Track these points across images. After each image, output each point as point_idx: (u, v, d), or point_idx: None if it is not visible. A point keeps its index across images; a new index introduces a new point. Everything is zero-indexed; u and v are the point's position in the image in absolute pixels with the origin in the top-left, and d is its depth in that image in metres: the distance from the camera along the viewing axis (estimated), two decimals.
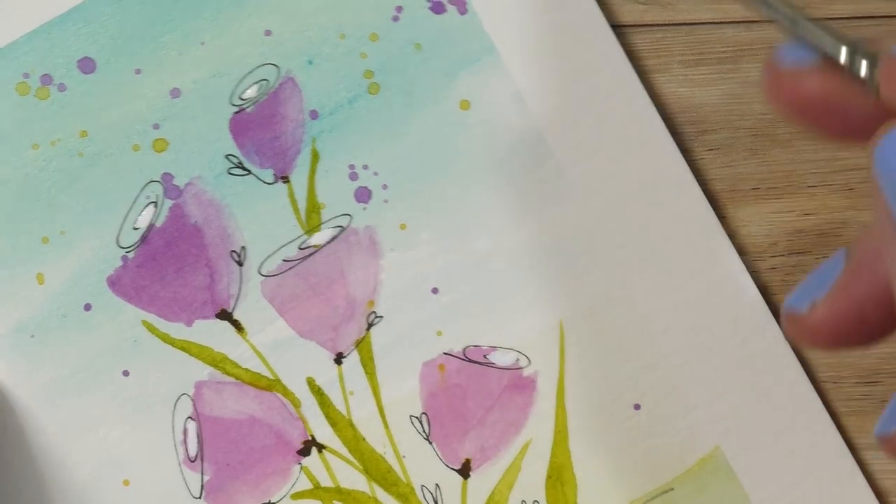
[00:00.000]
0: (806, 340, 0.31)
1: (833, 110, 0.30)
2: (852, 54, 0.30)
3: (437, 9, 0.44)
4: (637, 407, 0.44)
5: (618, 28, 0.45)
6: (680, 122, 0.45)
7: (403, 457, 0.44)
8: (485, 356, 0.44)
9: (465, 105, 0.44)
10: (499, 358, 0.44)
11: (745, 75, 0.45)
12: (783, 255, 0.45)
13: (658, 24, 0.45)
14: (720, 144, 0.45)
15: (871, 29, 0.45)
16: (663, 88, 0.45)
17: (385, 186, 0.44)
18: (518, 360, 0.44)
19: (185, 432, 0.44)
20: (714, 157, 0.45)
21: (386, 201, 0.44)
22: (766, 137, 0.45)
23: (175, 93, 0.44)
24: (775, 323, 0.44)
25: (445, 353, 0.44)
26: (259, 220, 0.44)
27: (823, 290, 0.31)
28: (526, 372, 0.44)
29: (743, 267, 0.44)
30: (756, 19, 0.45)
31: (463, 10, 0.44)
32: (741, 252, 0.45)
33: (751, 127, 0.45)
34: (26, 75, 0.44)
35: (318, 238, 0.44)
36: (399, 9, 0.44)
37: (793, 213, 0.45)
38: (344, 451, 0.44)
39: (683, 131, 0.45)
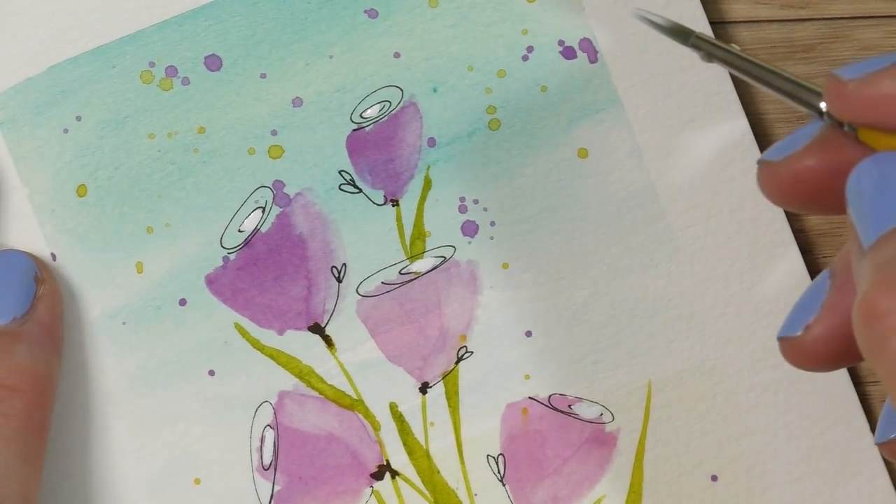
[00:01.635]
0: (805, 363, 0.32)
1: (833, 182, 0.31)
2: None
3: (568, 54, 0.44)
4: (714, 478, 0.44)
5: None
6: None
7: (475, 495, 0.44)
8: (569, 406, 0.44)
9: (583, 153, 0.44)
10: (583, 410, 0.44)
11: None
12: None
13: None
14: None
15: (871, 29, 0.45)
16: None
17: (493, 223, 0.44)
18: (602, 414, 0.44)
19: (262, 440, 0.44)
20: None
21: (491, 238, 0.44)
22: (767, 137, 0.45)
23: (297, 102, 0.44)
24: (863, 413, 0.44)
25: (530, 398, 0.44)
26: (363, 239, 0.44)
27: (813, 313, 0.32)
28: (608, 427, 0.44)
29: None
30: (756, 19, 0.45)
31: (594, 58, 0.44)
32: None
33: (751, 127, 0.44)
34: (152, 64, 0.44)
35: (420, 265, 0.44)
36: (530, 48, 0.44)
37: (793, 213, 0.45)
38: (417, 480, 0.44)
39: None
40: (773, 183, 0.33)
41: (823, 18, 0.45)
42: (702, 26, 0.44)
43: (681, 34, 0.37)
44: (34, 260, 0.42)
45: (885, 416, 0.33)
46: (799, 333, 0.33)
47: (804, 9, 0.45)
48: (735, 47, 0.35)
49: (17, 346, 0.41)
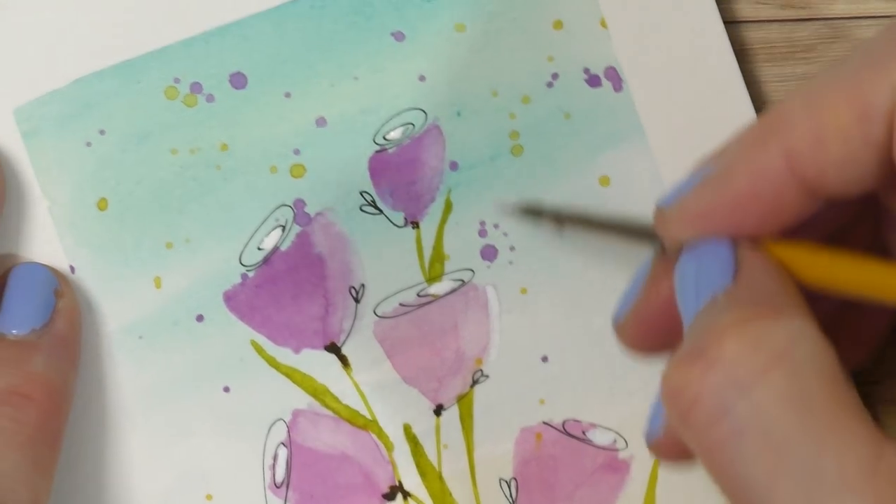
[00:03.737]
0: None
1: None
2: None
3: (593, 82, 0.44)
4: None
5: None
6: None
7: None
8: (583, 432, 0.44)
9: (604, 181, 0.44)
10: (597, 436, 0.44)
11: (746, 76, 0.45)
12: None
13: None
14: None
15: (872, 29, 0.45)
16: None
17: (512, 248, 0.44)
18: (616, 441, 0.44)
19: (275, 457, 0.44)
20: None
21: (511, 263, 0.44)
22: None
23: (321, 122, 0.44)
24: None
25: (545, 423, 0.44)
26: (382, 260, 0.44)
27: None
28: (622, 455, 0.44)
29: None
30: (756, 19, 0.45)
31: (618, 86, 0.44)
32: None
33: None
34: (177, 80, 0.44)
35: (438, 288, 0.44)
36: (555, 76, 0.44)
37: None
38: (429, 502, 0.44)
39: None
40: (633, 341, 0.38)
41: (824, 18, 0.45)
42: (717, 30, 0.44)
43: (531, 211, 0.41)
44: (55, 273, 0.42)
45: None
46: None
47: (805, 9, 0.45)
48: (574, 210, 0.41)
49: (34, 357, 0.41)
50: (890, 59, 0.32)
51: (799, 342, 0.31)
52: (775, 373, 0.31)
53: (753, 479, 0.30)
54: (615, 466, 0.44)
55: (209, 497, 0.44)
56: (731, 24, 0.45)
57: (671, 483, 0.44)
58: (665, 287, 0.37)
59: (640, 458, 0.44)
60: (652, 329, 0.38)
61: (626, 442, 0.44)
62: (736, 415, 0.31)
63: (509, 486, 0.44)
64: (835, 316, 0.39)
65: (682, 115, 0.44)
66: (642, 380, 0.44)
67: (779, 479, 0.30)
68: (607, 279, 0.44)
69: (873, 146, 0.32)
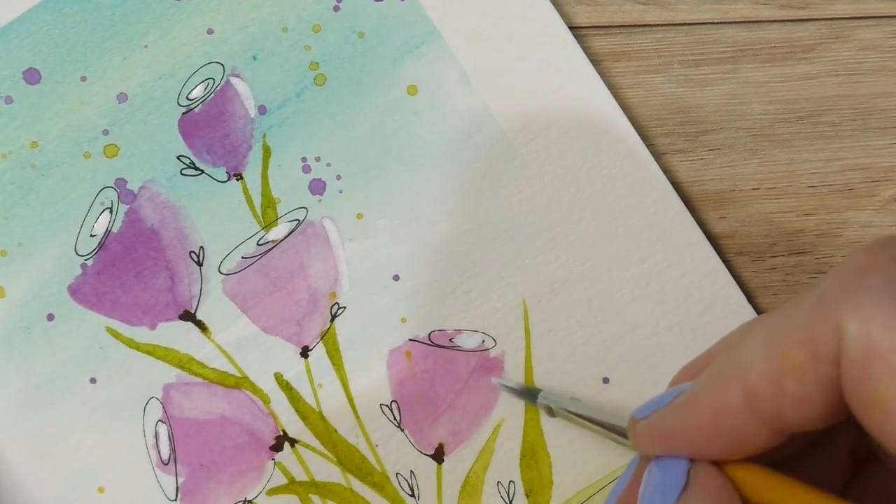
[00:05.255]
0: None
1: None
2: None
3: None
4: (606, 380, 0.44)
5: (617, 28, 0.45)
6: (680, 122, 0.45)
7: (376, 446, 0.44)
8: (450, 340, 0.44)
9: (412, 90, 0.44)
10: (464, 341, 0.44)
11: (745, 75, 0.45)
12: (783, 255, 0.45)
13: (658, 24, 0.44)
14: (720, 144, 0.45)
15: (871, 29, 0.45)
16: (663, 88, 0.45)
17: (339, 177, 0.44)
18: (483, 341, 0.44)
19: (156, 435, 0.44)
20: (714, 157, 0.45)
21: (341, 192, 0.44)
22: (766, 137, 0.45)
23: (122, 97, 0.44)
24: (737, 286, 0.44)
25: (411, 340, 0.44)
26: (215, 218, 0.44)
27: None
28: (492, 353, 0.44)
29: (699, 229, 0.44)
30: (756, 19, 0.45)
31: None
32: (741, 252, 0.45)
33: (751, 127, 0.45)
34: None
35: (276, 233, 0.44)
36: None
37: (793, 213, 0.45)
38: (316, 444, 0.44)
39: (683, 131, 0.45)
40: None
41: (823, 18, 0.45)
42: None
43: (529, 394, 0.43)
44: None
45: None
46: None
47: (804, 9, 0.45)
48: (573, 402, 0.42)
49: None
50: (836, 302, 0.32)
51: None
52: None
53: None
54: (489, 366, 0.44)
55: (101, 490, 0.44)
56: (730, 24, 0.45)
57: (548, 369, 0.44)
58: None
59: (512, 352, 0.44)
60: None
61: (493, 340, 0.44)
62: None
63: (391, 410, 0.44)
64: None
65: (472, 6, 0.44)
66: (496, 275, 0.44)
67: None
68: (439, 186, 0.44)
69: (825, 385, 0.33)
